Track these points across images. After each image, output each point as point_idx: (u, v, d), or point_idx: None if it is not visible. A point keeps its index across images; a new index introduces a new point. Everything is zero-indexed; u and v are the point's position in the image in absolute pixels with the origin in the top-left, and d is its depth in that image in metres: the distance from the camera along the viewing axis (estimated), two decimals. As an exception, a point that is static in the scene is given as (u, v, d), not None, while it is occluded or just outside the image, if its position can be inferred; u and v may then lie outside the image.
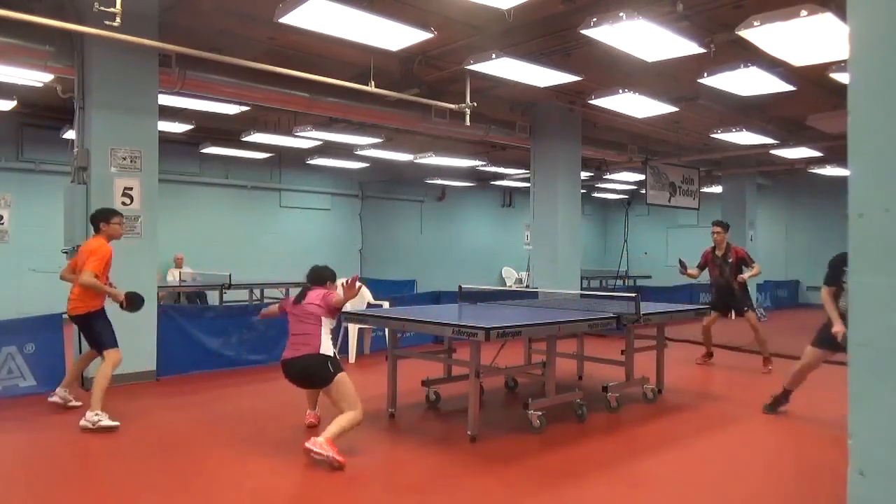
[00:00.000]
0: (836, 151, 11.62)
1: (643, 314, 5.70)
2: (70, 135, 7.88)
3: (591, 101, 8.11)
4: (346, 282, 4.34)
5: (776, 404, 5.63)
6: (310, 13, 5.14)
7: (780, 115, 10.62)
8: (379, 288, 10.97)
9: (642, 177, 12.82)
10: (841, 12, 4.66)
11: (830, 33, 4.98)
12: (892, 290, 1.40)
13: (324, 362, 4.33)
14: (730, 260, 7.86)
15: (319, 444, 4.09)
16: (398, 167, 14.71)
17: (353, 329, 8.00)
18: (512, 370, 6.12)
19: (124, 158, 6.48)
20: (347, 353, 7.95)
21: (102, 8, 4.95)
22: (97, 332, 5.23)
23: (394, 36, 5.71)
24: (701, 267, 8.08)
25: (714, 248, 8.01)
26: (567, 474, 4.17)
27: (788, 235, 17.39)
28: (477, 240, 18.47)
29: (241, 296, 11.22)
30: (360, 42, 5.83)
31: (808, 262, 16.26)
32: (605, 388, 5.75)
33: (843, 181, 1.60)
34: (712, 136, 10.26)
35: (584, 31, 5.39)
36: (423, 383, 5.82)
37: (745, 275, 7.81)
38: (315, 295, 4.51)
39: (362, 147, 11.98)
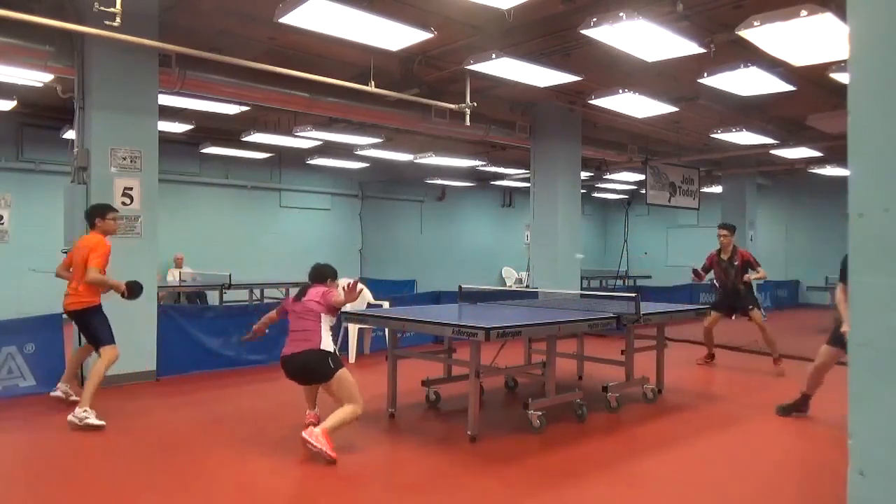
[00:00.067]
0: (836, 151, 11.62)
1: (643, 314, 5.70)
2: (70, 135, 7.88)
3: (591, 101, 8.11)
4: (348, 285, 4.34)
5: (792, 409, 5.53)
6: (310, 13, 5.14)
7: (780, 115, 10.62)
8: (379, 288, 10.98)
9: (642, 177, 12.82)
10: (841, 12, 4.66)
11: (830, 33, 4.97)
12: (892, 290, 1.40)
13: (324, 358, 4.35)
14: (735, 263, 7.83)
15: (315, 436, 4.13)
16: (398, 167, 14.71)
17: (353, 329, 8.00)
18: (512, 370, 6.12)
19: (124, 158, 6.48)
20: (347, 352, 7.95)
21: (102, 8, 4.95)
22: (94, 327, 5.24)
23: (394, 36, 5.71)
24: (706, 269, 8.06)
25: (719, 251, 7.98)
26: (567, 474, 4.17)
27: (788, 235, 17.39)
28: (477, 240, 18.47)
29: (241, 296, 11.22)
30: (360, 42, 5.83)
31: (808, 262, 16.27)
32: (605, 388, 5.75)
33: (843, 181, 1.60)
34: (712, 136, 10.26)
35: (584, 31, 5.39)
36: (423, 383, 5.82)
37: (751, 275, 7.78)
38: (315, 292, 4.53)
39: (362, 147, 11.98)
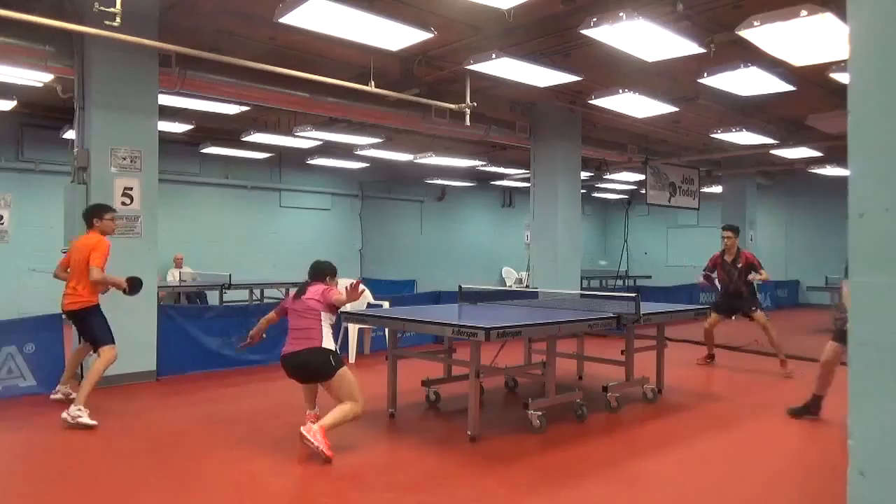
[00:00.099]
0: (836, 151, 11.62)
1: (643, 314, 5.70)
2: (70, 135, 7.88)
3: (591, 101, 8.10)
4: (351, 285, 4.34)
5: (803, 411, 5.46)
6: (310, 13, 5.14)
7: (780, 115, 10.62)
8: (379, 288, 10.98)
9: (642, 177, 12.82)
10: (841, 12, 4.66)
11: (830, 33, 4.97)
12: (892, 290, 1.40)
13: (326, 356, 4.35)
14: (739, 265, 7.79)
15: (313, 433, 4.15)
16: (398, 167, 14.71)
17: (353, 329, 8.00)
18: (512, 370, 6.12)
19: (124, 158, 6.48)
20: (347, 353, 7.95)
21: (102, 8, 4.95)
22: (93, 327, 5.25)
23: (394, 36, 5.71)
24: (709, 270, 8.04)
25: (723, 253, 7.95)
26: (567, 474, 4.17)
27: (788, 235, 17.39)
28: (477, 240, 18.46)
29: (241, 296, 11.22)
30: (360, 42, 5.83)
31: (808, 262, 16.26)
32: (605, 388, 5.75)
33: (843, 181, 1.60)
34: (712, 136, 10.26)
35: (584, 31, 5.39)
36: (423, 383, 5.82)
37: (755, 276, 7.72)
38: (315, 290, 4.52)
39: (362, 147, 11.98)
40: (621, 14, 5.07)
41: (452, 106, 8.02)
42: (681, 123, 10.89)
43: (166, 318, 6.95)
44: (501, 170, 15.26)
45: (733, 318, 8.07)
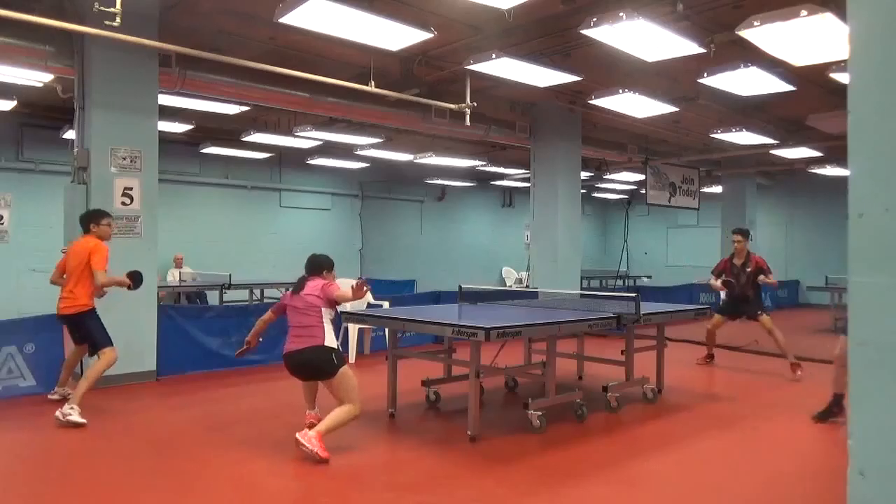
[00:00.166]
0: (836, 151, 11.62)
1: (643, 314, 5.70)
2: (70, 135, 7.88)
3: (591, 101, 8.10)
4: (356, 284, 4.34)
5: (828, 414, 5.32)
6: (310, 13, 5.14)
7: (780, 115, 10.61)
8: (379, 288, 10.97)
9: (642, 177, 12.82)
10: (841, 12, 4.66)
11: (830, 33, 4.97)
12: (892, 290, 1.40)
13: (328, 355, 4.35)
14: (748, 269, 7.68)
15: (308, 438, 4.15)
16: (398, 167, 14.71)
17: (353, 329, 8.00)
18: (512, 370, 6.12)
19: (124, 158, 6.48)
20: (347, 352, 7.95)
21: (102, 8, 4.95)
22: (90, 331, 5.26)
23: (394, 36, 5.70)
24: (718, 274, 7.96)
25: (732, 256, 7.86)
26: (567, 474, 4.17)
27: (788, 235, 17.39)
28: (477, 240, 18.47)
29: (241, 296, 11.22)
30: (360, 42, 5.83)
31: (808, 261, 16.25)
32: (605, 388, 5.75)
33: (843, 181, 1.60)
34: (712, 136, 10.25)
35: (584, 31, 5.39)
36: (423, 383, 5.81)
37: (763, 278, 7.59)
38: (314, 286, 4.51)
39: (362, 147, 11.98)
40: (621, 14, 5.07)
41: (452, 106, 8.02)
42: (681, 123, 10.89)
43: (166, 318, 6.95)
44: (501, 170, 15.26)
45: (737, 321, 8.01)
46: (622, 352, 6.10)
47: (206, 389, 6.52)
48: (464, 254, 17.87)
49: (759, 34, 5.13)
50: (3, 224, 10.97)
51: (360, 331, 8.15)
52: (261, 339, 4.94)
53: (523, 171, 14.47)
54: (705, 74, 6.73)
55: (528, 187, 11.47)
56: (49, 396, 5.74)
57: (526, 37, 6.91)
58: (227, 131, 11.68)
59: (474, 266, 17.51)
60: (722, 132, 9.90)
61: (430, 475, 4.16)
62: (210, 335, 7.32)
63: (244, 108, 8.92)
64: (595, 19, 5.21)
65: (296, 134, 10.37)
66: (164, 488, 3.85)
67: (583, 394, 5.50)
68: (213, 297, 11.45)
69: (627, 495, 3.89)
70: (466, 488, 3.90)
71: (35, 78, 7.17)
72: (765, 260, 7.94)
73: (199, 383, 6.73)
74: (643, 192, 12.61)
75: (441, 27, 6.16)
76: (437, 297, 9.28)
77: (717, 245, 15.33)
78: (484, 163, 14.10)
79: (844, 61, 1.88)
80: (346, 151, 12.73)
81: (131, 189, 6.50)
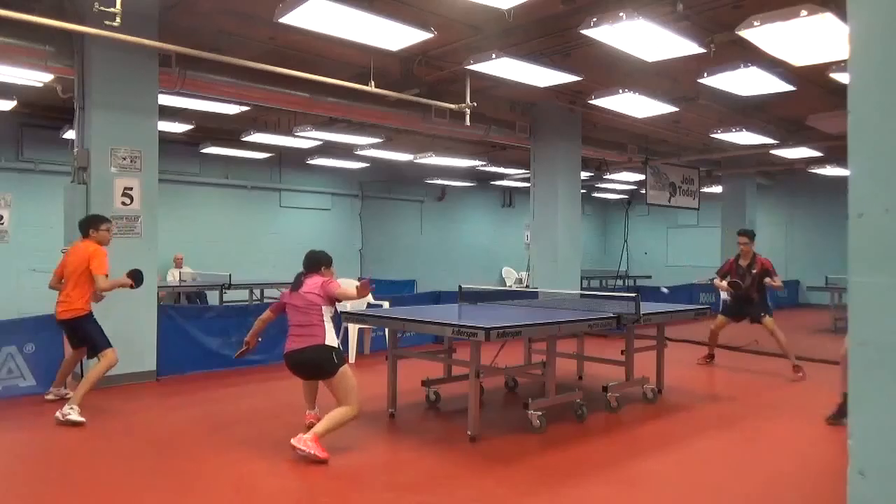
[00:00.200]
0: (836, 151, 11.62)
1: (643, 314, 5.70)
2: (70, 135, 7.88)
3: (591, 101, 8.10)
4: (361, 283, 4.34)
5: (842, 415, 5.18)
6: (310, 13, 5.14)
7: (780, 115, 10.61)
8: (379, 288, 10.95)
9: (642, 177, 12.82)
10: (841, 12, 4.66)
11: (830, 33, 4.97)
12: (892, 290, 1.40)
13: (329, 354, 4.35)
14: (753, 271, 7.61)
15: (304, 441, 4.14)
16: (398, 167, 14.70)
17: (353, 329, 8.00)
18: (512, 370, 6.12)
19: (124, 158, 6.48)
20: (347, 352, 7.95)
21: (102, 8, 4.95)
22: (89, 334, 5.27)
23: (394, 36, 5.71)
24: (723, 276, 7.92)
25: (738, 258, 7.80)
26: (567, 474, 4.17)
27: (788, 235, 17.39)
28: (477, 240, 18.46)
29: (241, 296, 11.22)
30: (360, 42, 5.83)
31: (807, 261, 16.25)
32: (605, 388, 5.75)
33: (843, 181, 1.60)
34: (712, 136, 10.25)
35: (584, 31, 5.39)
36: (423, 383, 5.81)
37: (769, 281, 7.51)
38: (313, 283, 4.50)
39: (362, 147, 11.98)
40: (621, 14, 5.07)
41: (452, 106, 8.02)
42: (681, 123, 10.89)
43: (166, 318, 6.95)
44: (501, 170, 15.26)
45: (741, 322, 7.97)
46: (622, 352, 6.10)
47: (206, 389, 6.52)
48: (464, 254, 17.87)
49: (759, 34, 5.13)
50: (3, 224, 10.97)
51: (360, 331, 8.15)
52: (260, 339, 4.94)
53: (523, 171, 14.47)
54: (705, 74, 6.73)
55: (528, 187, 11.47)
56: (45, 397, 5.74)
57: (526, 37, 6.91)
58: (227, 131, 11.68)
59: (474, 266, 17.50)
60: (722, 132, 9.89)
61: (430, 475, 4.16)
62: (210, 335, 7.32)
63: (244, 108, 8.92)
64: (595, 19, 5.21)
65: (296, 134, 10.37)
66: (164, 488, 3.85)
67: (583, 394, 5.50)
68: (213, 297, 11.45)
69: (627, 495, 3.89)
70: (466, 488, 3.90)
71: (35, 78, 7.17)
72: (770, 262, 7.85)
73: (199, 383, 6.73)
74: (643, 192, 12.61)
75: (441, 27, 6.16)
76: (437, 297, 9.28)
77: (717, 245, 15.33)
78: (484, 163, 14.10)
79: (844, 61, 1.88)
80: (346, 151, 12.73)
81: (131, 189, 6.50)
